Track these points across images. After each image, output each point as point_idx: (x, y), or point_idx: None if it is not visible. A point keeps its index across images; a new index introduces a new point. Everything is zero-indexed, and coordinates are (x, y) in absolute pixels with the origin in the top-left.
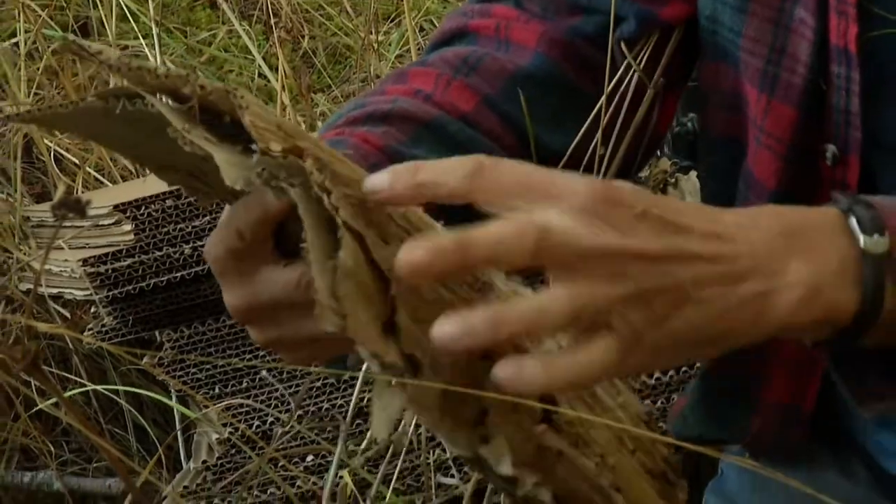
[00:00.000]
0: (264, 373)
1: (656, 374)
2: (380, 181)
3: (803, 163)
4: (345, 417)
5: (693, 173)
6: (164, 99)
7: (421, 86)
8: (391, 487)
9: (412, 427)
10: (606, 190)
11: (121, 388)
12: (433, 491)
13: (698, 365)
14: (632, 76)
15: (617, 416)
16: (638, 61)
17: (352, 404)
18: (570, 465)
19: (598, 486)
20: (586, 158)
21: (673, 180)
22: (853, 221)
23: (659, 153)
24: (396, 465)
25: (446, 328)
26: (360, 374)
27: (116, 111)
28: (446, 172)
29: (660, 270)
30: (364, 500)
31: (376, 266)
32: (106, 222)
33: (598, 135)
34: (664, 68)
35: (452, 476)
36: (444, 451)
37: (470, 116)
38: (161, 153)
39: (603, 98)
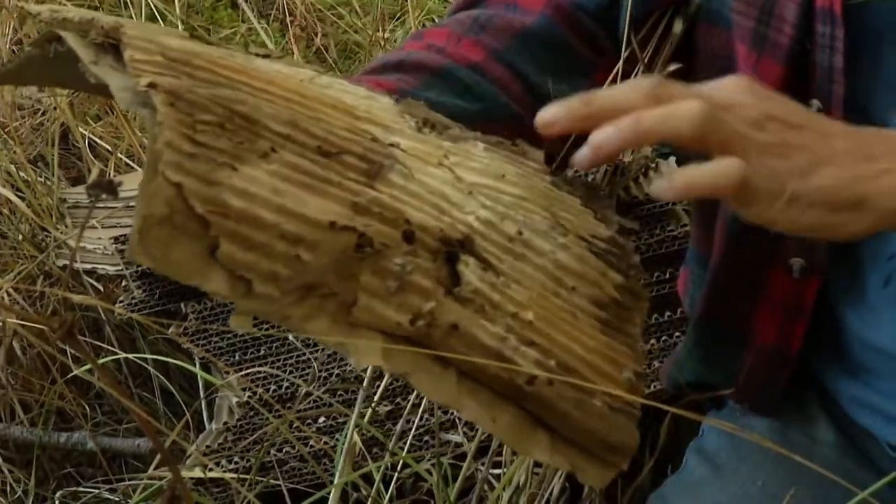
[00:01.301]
0: (291, 337)
1: (654, 315)
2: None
3: None
4: (360, 382)
5: (672, 158)
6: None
7: (434, 41)
8: (407, 443)
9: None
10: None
11: (149, 356)
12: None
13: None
14: (643, 58)
15: (555, 258)
16: (643, 41)
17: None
18: (466, 337)
19: (495, 352)
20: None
21: (654, 165)
22: None
23: None
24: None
25: (598, 134)
26: None
27: (50, 55)
28: (623, 94)
29: (800, 133)
30: (372, 458)
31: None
32: (136, 203)
33: None
34: (668, 55)
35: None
36: (444, 412)
37: (479, 66)
38: (83, 78)
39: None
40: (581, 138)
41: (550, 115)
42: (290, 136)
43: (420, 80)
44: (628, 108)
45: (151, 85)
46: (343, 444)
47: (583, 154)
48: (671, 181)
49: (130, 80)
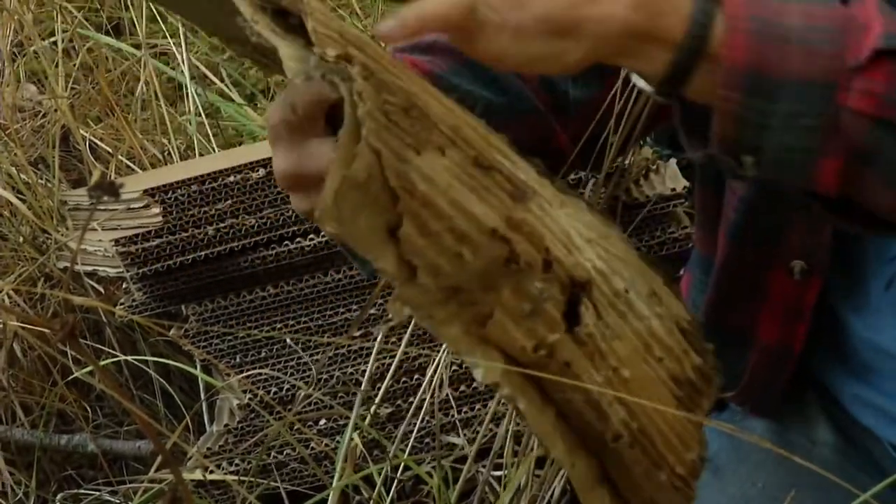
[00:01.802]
0: (288, 341)
1: None
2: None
3: None
4: (359, 385)
5: (673, 160)
6: None
7: None
8: (407, 447)
9: (421, 393)
10: None
11: (150, 358)
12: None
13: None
14: None
15: (649, 325)
16: None
17: (367, 374)
18: (573, 377)
19: (594, 401)
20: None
21: (655, 167)
22: None
23: (641, 142)
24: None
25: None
26: (375, 345)
27: None
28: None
29: None
30: (373, 460)
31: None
32: (136, 206)
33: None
34: None
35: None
36: (445, 415)
37: None
38: (235, 30)
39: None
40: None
41: (386, 29)
42: (454, 140)
43: (448, 66)
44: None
45: (345, 57)
46: (343, 446)
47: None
48: (400, 19)
49: (300, 51)
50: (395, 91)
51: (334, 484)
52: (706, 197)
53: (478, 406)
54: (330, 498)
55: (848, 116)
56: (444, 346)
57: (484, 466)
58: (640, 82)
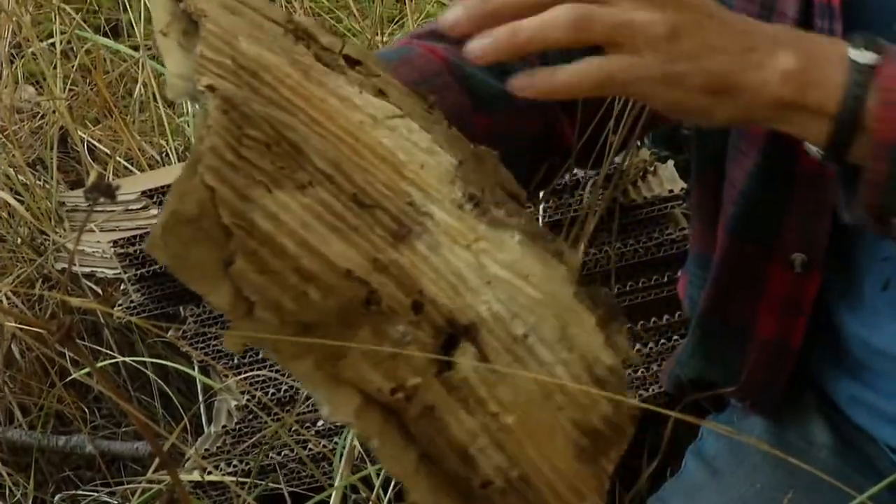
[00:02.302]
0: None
1: (653, 318)
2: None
3: None
4: None
5: (670, 162)
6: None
7: None
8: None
9: None
10: None
11: (148, 359)
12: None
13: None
14: None
15: (552, 372)
16: None
17: None
18: (437, 421)
19: (458, 446)
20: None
21: (652, 168)
22: (850, 45)
23: (639, 144)
24: None
25: (475, 42)
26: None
27: None
28: None
29: (690, 15)
30: (371, 461)
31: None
32: (134, 207)
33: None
34: None
35: None
36: None
37: None
38: None
39: None
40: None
41: (452, 18)
42: (331, 176)
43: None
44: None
45: (210, 87)
46: (342, 447)
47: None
48: (532, 78)
49: (190, 71)
50: (261, 125)
51: (336, 484)
52: (704, 194)
53: None
54: (332, 497)
55: None
56: None
57: None
58: (811, 148)
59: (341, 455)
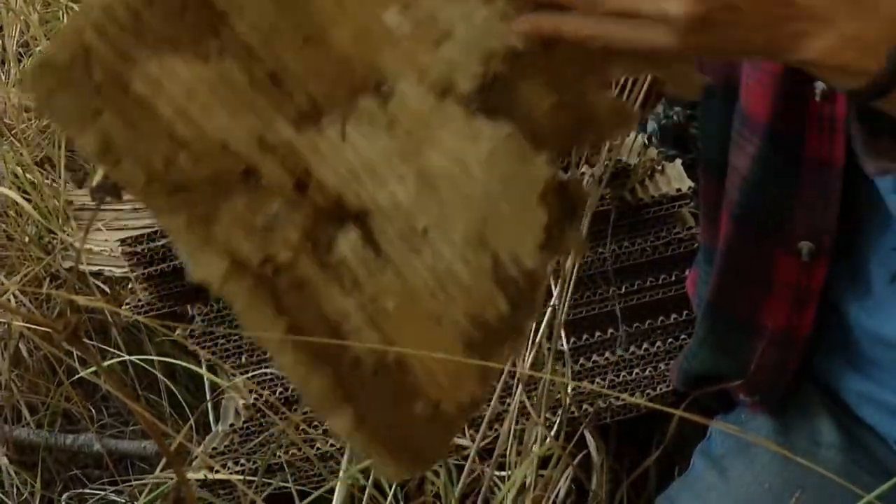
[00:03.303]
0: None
1: (660, 317)
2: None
3: (793, 100)
4: None
5: (678, 161)
6: None
7: None
8: None
9: None
10: None
11: (155, 358)
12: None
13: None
14: None
15: (450, 268)
16: None
17: None
18: (308, 299)
19: (332, 326)
20: None
21: (660, 167)
22: None
23: (647, 142)
24: None
25: (561, 21)
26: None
27: None
28: None
29: None
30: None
31: None
32: (142, 206)
33: None
34: None
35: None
36: None
37: None
38: None
39: None
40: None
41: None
42: (252, 50)
43: None
44: None
45: None
46: (349, 445)
47: (527, 20)
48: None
49: None
50: None
51: (340, 476)
52: (709, 184)
53: (483, 406)
54: (336, 492)
55: None
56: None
57: (488, 466)
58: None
59: (348, 453)
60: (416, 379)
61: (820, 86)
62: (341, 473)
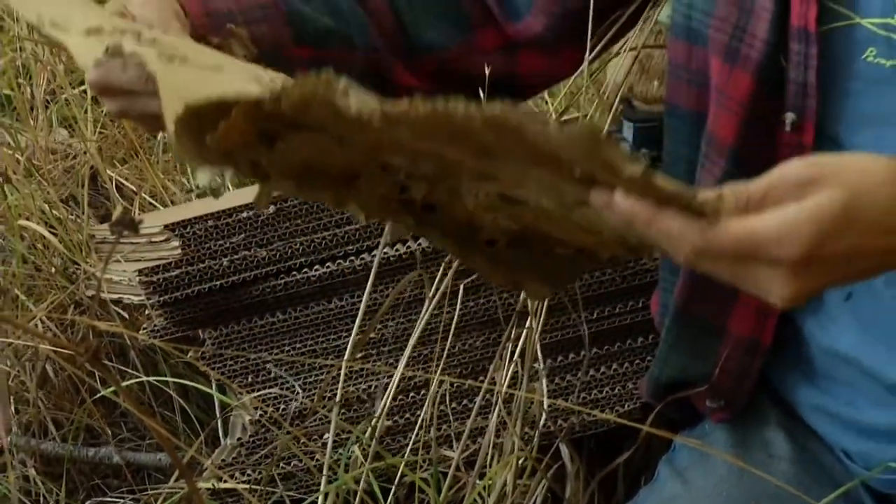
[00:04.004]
0: (272, 365)
1: (627, 341)
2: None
3: (761, 127)
4: (363, 403)
5: None
6: None
7: None
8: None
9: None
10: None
11: (170, 378)
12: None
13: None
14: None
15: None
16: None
17: (379, 394)
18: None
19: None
20: None
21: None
22: None
23: None
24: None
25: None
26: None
27: None
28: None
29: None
30: (372, 471)
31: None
32: (157, 239)
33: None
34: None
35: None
36: (439, 427)
37: None
38: None
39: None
40: None
41: (621, 205)
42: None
43: None
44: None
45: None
46: (346, 457)
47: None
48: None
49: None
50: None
51: (325, 485)
52: None
53: (467, 421)
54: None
55: None
56: (440, 367)
57: (472, 476)
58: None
59: (346, 464)
60: (555, 236)
61: (790, 116)
62: (322, 485)
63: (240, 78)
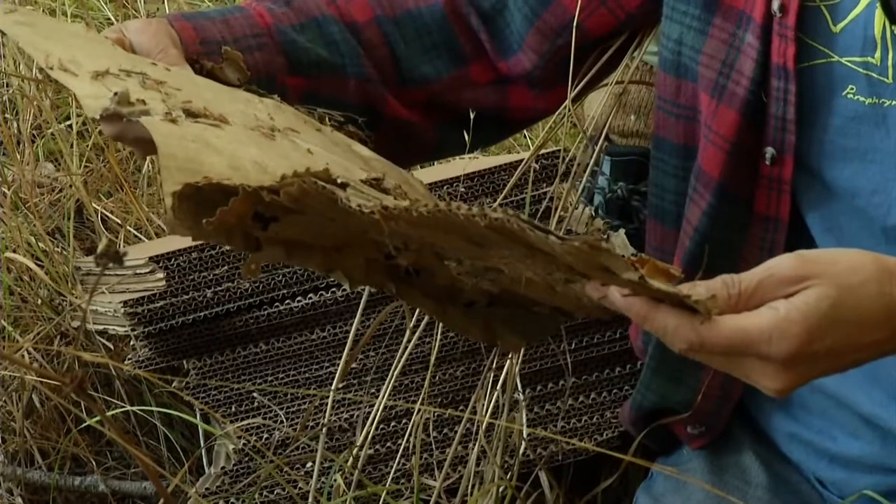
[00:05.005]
0: (255, 394)
1: (606, 370)
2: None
3: (745, 160)
4: (345, 432)
5: (622, 230)
6: None
7: None
8: (387, 482)
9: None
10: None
11: (155, 408)
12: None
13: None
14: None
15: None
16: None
17: (360, 424)
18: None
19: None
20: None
21: (605, 237)
22: None
23: (593, 214)
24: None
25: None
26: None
27: None
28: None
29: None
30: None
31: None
32: (142, 271)
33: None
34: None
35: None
36: (422, 456)
37: (360, 27)
38: None
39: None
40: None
41: (618, 301)
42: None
43: (299, 21)
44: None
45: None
46: (329, 485)
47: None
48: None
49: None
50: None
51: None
52: (663, 233)
53: (448, 450)
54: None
55: None
56: (421, 398)
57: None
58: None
59: (328, 493)
60: (534, 298)
61: (770, 151)
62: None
63: (241, 140)
